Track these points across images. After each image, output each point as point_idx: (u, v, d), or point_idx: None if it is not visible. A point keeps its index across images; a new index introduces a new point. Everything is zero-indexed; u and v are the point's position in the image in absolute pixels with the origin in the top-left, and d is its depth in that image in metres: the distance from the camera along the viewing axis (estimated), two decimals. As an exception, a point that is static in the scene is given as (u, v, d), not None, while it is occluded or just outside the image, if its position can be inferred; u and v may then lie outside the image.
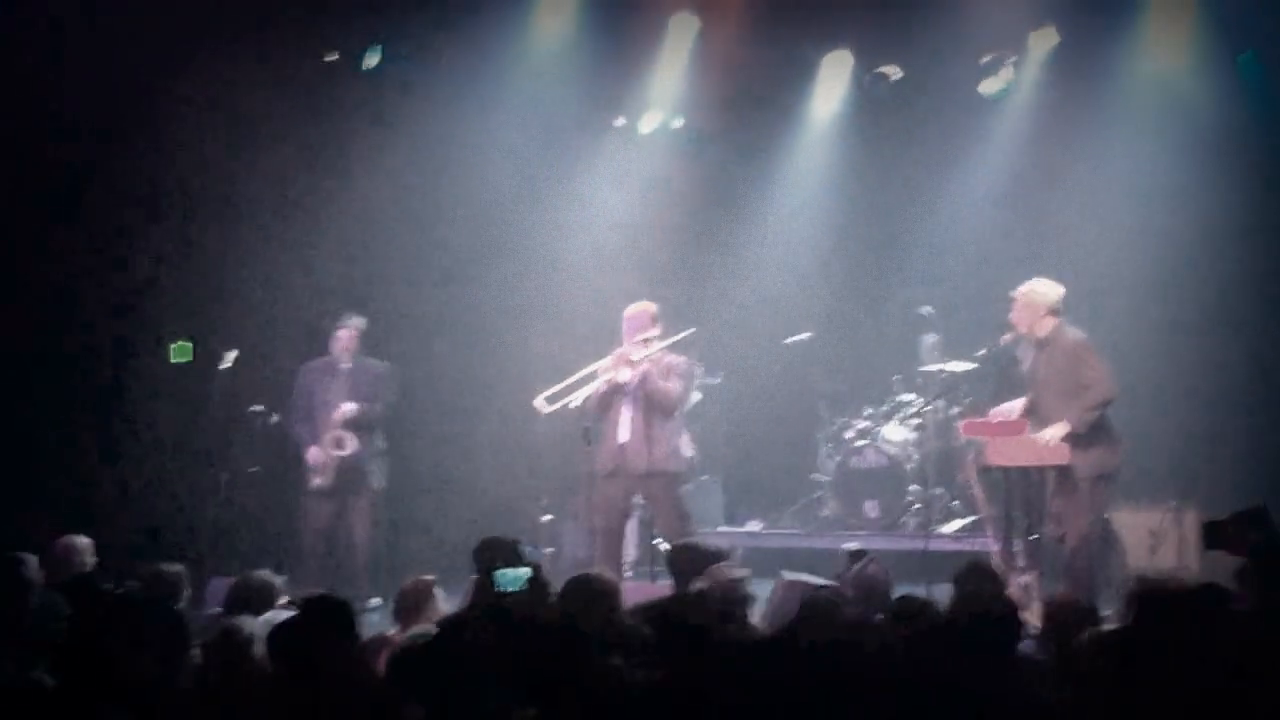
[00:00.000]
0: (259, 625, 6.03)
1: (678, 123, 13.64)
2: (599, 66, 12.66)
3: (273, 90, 11.56)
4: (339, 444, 10.90)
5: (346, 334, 11.14)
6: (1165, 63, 12.16)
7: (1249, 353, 12.04)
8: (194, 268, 11.72)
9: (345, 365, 11.13)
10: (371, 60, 12.05)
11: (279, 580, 7.31)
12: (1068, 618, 5.46)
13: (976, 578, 6.53)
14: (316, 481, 10.96)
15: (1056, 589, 9.47)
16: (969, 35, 12.29)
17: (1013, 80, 12.77)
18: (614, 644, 5.58)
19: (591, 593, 6.23)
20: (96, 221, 11.25)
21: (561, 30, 12.40)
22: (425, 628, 6.35)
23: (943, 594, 7.12)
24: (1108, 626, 5.23)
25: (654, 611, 5.85)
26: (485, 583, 6.71)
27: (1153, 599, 3.73)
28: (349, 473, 10.96)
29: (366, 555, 10.93)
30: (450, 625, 5.71)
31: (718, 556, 7.55)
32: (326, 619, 5.51)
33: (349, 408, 10.96)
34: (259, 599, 6.93)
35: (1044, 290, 9.74)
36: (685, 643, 5.34)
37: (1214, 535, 5.22)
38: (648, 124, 13.49)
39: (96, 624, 5.50)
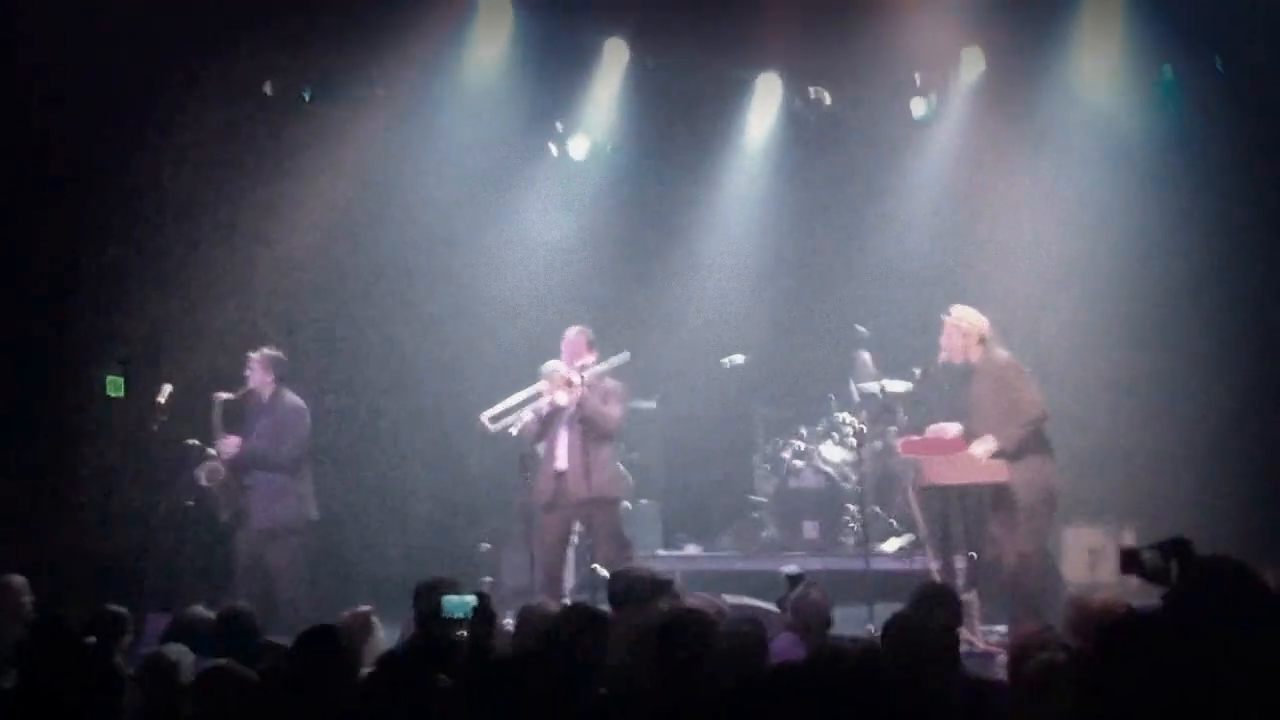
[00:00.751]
0: (187, 655, 5.98)
1: (611, 147, 13.64)
2: (532, 93, 12.68)
3: (208, 121, 11.50)
4: (210, 475, 10.70)
5: (251, 362, 10.81)
6: (1093, 82, 12.29)
7: (1186, 368, 12.11)
8: (127, 297, 11.61)
9: (265, 398, 10.85)
10: (306, 93, 12.00)
11: (214, 615, 7.23)
12: (1033, 648, 5.43)
13: (931, 602, 6.51)
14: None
15: (1006, 610, 9.54)
16: (899, 58, 12.38)
17: (935, 104, 12.88)
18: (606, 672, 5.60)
19: (583, 622, 6.22)
20: (28, 252, 11.13)
21: (495, 58, 12.41)
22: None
23: (884, 614, 7.10)
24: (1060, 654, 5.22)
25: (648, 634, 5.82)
26: (426, 620, 6.64)
27: (1114, 625, 3.75)
28: (239, 508, 10.70)
29: (288, 591, 10.65)
30: (392, 660, 5.68)
31: (658, 582, 7.53)
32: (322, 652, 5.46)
33: (231, 442, 10.78)
34: (195, 635, 6.86)
35: (971, 320, 9.84)
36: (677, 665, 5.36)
37: (1130, 562, 5.17)
38: (580, 149, 13.48)
39: (55, 668, 5.42)
